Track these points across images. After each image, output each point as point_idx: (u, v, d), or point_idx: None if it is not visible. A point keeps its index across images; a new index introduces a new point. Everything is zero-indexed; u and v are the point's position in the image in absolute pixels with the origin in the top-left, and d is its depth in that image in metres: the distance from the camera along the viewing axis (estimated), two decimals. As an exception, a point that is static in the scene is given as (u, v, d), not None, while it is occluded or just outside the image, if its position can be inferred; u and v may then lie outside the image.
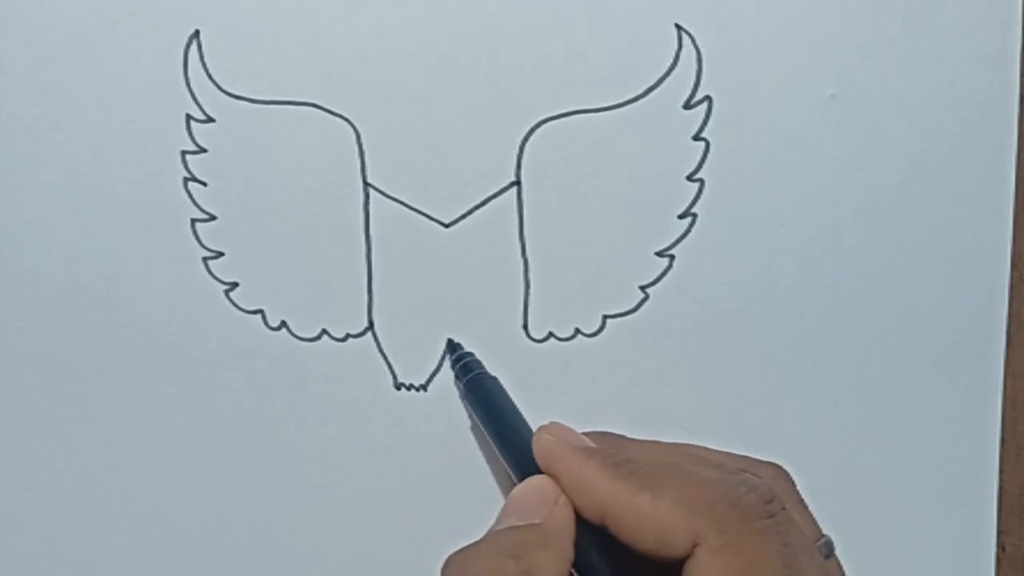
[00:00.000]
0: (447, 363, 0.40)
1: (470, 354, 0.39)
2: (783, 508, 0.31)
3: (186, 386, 0.40)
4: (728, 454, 0.36)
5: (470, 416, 0.39)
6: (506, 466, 0.36)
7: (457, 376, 0.39)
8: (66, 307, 0.39)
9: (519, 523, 0.32)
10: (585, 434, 0.36)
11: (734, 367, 0.40)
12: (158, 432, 0.40)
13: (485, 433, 0.38)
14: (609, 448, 0.35)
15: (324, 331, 0.40)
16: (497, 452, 0.37)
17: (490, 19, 0.38)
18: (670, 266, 0.40)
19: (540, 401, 0.40)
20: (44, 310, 0.39)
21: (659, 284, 0.40)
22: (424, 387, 0.40)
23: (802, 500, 0.35)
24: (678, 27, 0.38)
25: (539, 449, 0.34)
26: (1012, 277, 0.40)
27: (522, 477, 0.35)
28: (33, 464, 0.40)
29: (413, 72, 0.39)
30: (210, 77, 0.38)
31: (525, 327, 0.40)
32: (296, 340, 0.40)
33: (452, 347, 0.40)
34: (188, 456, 0.40)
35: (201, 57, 0.38)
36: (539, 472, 0.34)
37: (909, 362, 0.40)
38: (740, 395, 0.40)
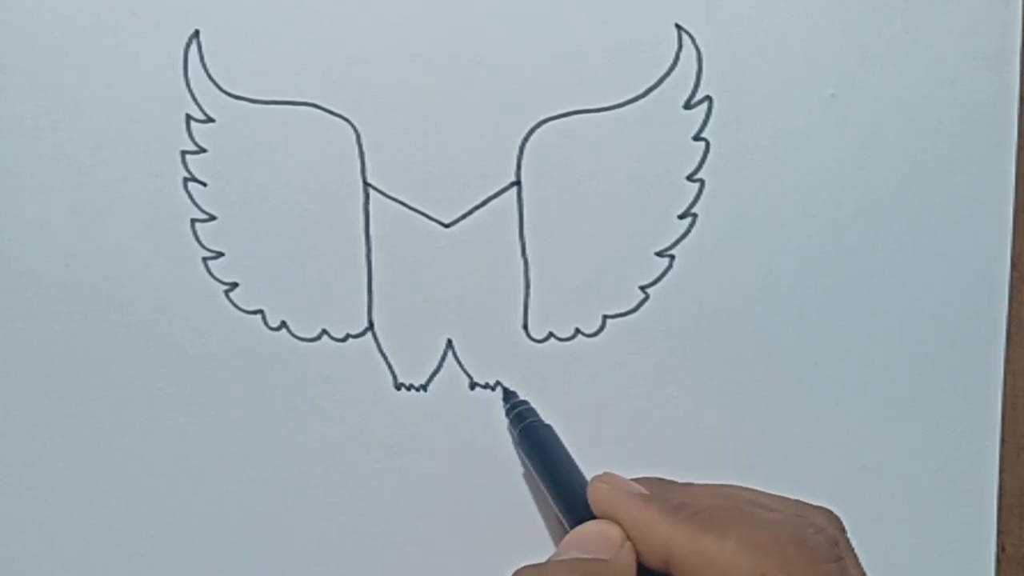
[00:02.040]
0: (447, 363, 0.40)
1: (524, 402, 0.39)
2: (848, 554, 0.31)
3: (186, 386, 0.40)
4: (780, 498, 0.36)
5: (523, 463, 0.39)
6: (559, 515, 0.36)
7: (512, 423, 0.39)
8: (66, 307, 0.39)
9: (585, 556, 0.32)
10: (634, 480, 0.36)
11: (734, 367, 0.40)
12: (158, 432, 0.40)
13: (538, 480, 0.37)
14: (663, 493, 0.35)
15: (324, 331, 0.40)
16: (551, 501, 0.37)
17: (490, 19, 0.38)
18: (670, 266, 0.40)
19: (540, 401, 0.40)
20: (44, 310, 0.39)
21: (659, 284, 0.40)
22: (424, 387, 0.40)
23: (853, 549, 0.34)
24: (678, 27, 0.38)
25: (595, 496, 0.34)
26: (1012, 277, 0.40)
27: (575, 525, 0.34)
28: (33, 464, 0.40)
29: (413, 72, 0.39)
30: (210, 77, 0.38)
31: (525, 327, 0.40)
32: (296, 340, 0.40)
33: (507, 395, 0.40)
34: (188, 456, 0.40)
35: (201, 57, 0.38)
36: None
37: (909, 362, 0.40)
38: (740, 395, 0.40)
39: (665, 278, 0.40)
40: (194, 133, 0.39)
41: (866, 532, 0.41)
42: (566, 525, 0.35)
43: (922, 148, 0.39)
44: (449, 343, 0.40)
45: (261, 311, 0.40)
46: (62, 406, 0.40)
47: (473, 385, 0.40)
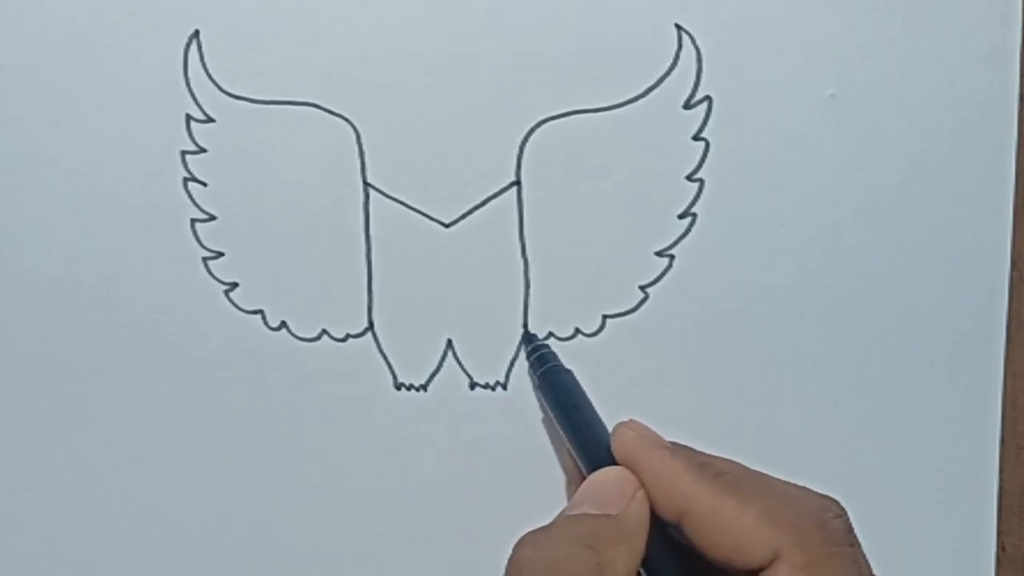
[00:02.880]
0: (447, 363, 0.40)
1: (545, 346, 0.39)
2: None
3: (186, 386, 0.40)
4: (794, 485, 0.35)
5: (542, 408, 0.39)
6: (577, 459, 0.35)
7: (532, 367, 0.39)
8: (66, 307, 0.39)
9: (594, 511, 0.31)
10: None
11: (734, 367, 0.40)
12: (158, 432, 0.40)
13: (557, 425, 0.37)
14: (689, 451, 0.34)
15: (324, 331, 0.40)
16: (569, 445, 0.36)
17: (490, 19, 0.38)
18: (670, 266, 0.40)
19: (539, 402, 0.40)
20: (44, 310, 0.39)
21: (659, 284, 0.40)
22: (424, 387, 0.40)
23: (856, 538, 0.34)
24: (678, 27, 0.38)
25: (619, 442, 0.33)
26: (1012, 277, 0.40)
27: (594, 470, 0.33)
28: (33, 464, 0.40)
29: (413, 72, 0.39)
30: (210, 77, 0.38)
31: (525, 327, 0.40)
32: (296, 340, 0.40)
33: (527, 338, 0.39)
34: (188, 456, 0.40)
35: (201, 57, 0.38)
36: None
37: (909, 362, 0.40)
38: (740, 395, 0.40)
39: (665, 278, 0.40)
40: (194, 133, 0.39)
41: (866, 532, 0.41)
42: (584, 471, 0.34)
43: (922, 148, 0.39)
44: (449, 343, 0.40)
45: (261, 311, 0.40)
46: (62, 406, 0.40)
47: (473, 385, 0.40)
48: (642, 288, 0.40)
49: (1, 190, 0.39)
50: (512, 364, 0.40)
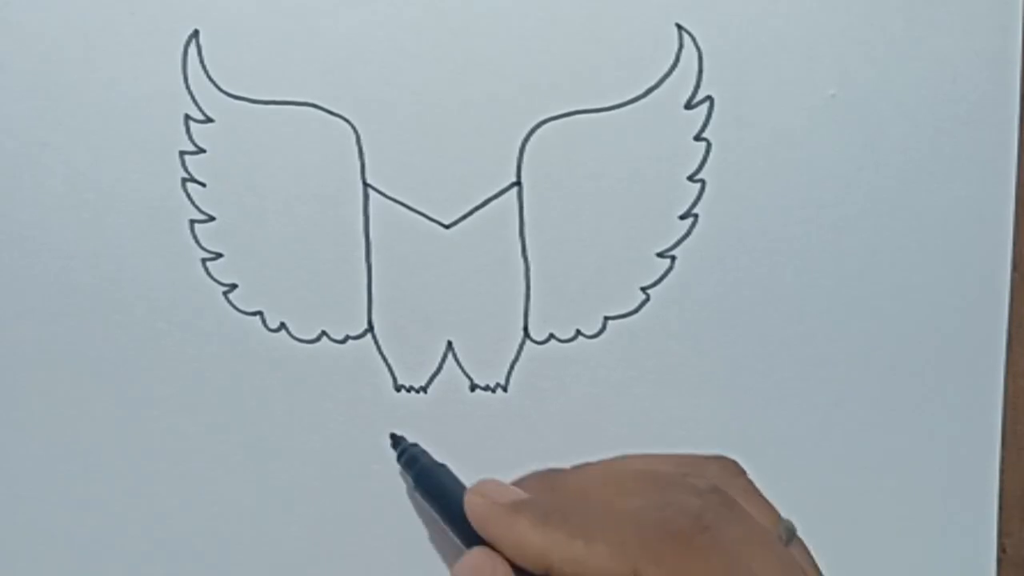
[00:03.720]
0: (447, 365, 0.40)
1: (415, 445, 0.39)
2: (729, 507, 0.31)
3: (185, 388, 0.40)
4: (673, 457, 0.36)
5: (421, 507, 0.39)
6: (456, 541, 0.36)
7: (404, 468, 0.39)
8: (65, 308, 0.39)
9: None
10: (519, 480, 0.36)
11: (735, 368, 0.40)
12: (157, 433, 0.40)
13: (439, 519, 0.37)
14: (542, 493, 0.35)
15: (323, 333, 0.40)
16: (447, 530, 0.37)
17: (490, 19, 0.38)
18: (671, 267, 0.40)
19: (540, 403, 0.40)
20: (43, 310, 0.39)
21: (660, 285, 0.40)
22: (424, 389, 0.40)
23: (754, 489, 0.35)
24: (679, 27, 0.38)
25: (471, 514, 0.34)
26: (1013, 278, 0.40)
27: (469, 545, 0.34)
28: (32, 464, 0.40)
29: (413, 72, 0.38)
30: (209, 77, 0.38)
31: (526, 328, 0.40)
32: (295, 342, 0.40)
33: (395, 440, 0.39)
34: (187, 457, 0.40)
35: (200, 57, 0.38)
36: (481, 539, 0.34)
37: (910, 363, 0.40)
38: (740, 396, 0.40)
39: (666, 279, 0.40)
40: (193, 133, 0.39)
41: (867, 532, 0.41)
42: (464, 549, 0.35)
43: (923, 148, 0.39)
44: (449, 344, 0.40)
45: (260, 312, 0.39)
46: (61, 406, 0.40)
47: (473, 387, 0.40)
48: (643, 289, 0.40)
49: (1, 190, 0.39)
50: (513, 366, 0.40)
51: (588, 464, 0.37)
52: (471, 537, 0.34)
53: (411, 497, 0.40)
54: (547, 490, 0.36)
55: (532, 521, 0.32)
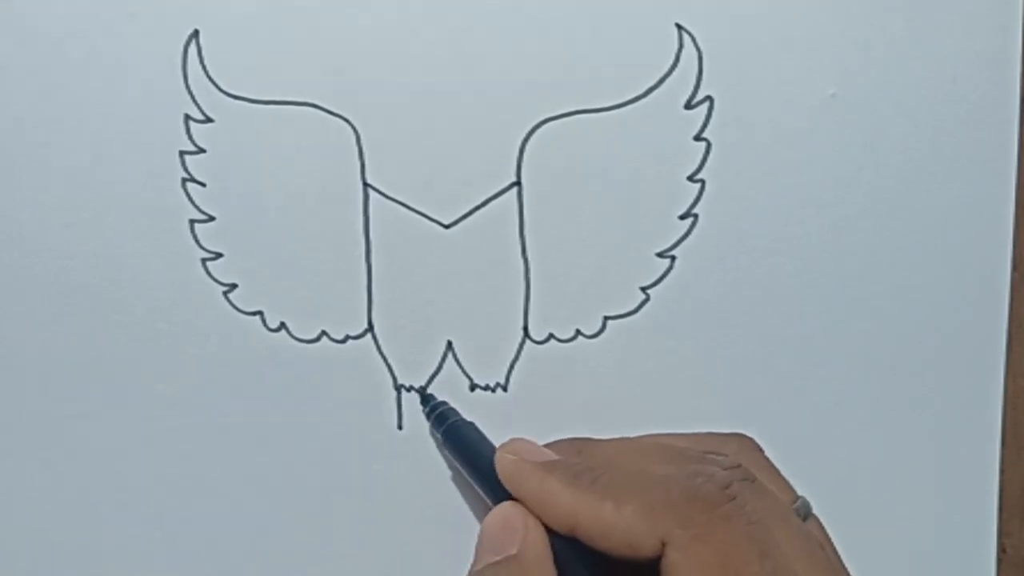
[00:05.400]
0: (447, 365, 0.40)
1: (444, 403, 0.39)
2: (751, 481, 0.32)
3: (185, 387, 0.40)
4: (693, 436, 0.37)
5: (450, 466, 0.40)
6: (484, 497, 0.36)
7: (433, 426, 0.39)
8: (64, 308, 0.39)
9: (496, 558, 0.33)
10: (549, 444, 0.37)
11: (735, 368, 0.40)
12: (157, 434, 0.40)
13: (467, 477, 0.38)
14: (572, 456, 0.35)
15: (323, 333, 0.40)
16: (475, 486, 0.37)
17: (490, 19, 0.38)
18: (671, 267, 0.40)
19: (540, 403, 0.40)
20: (42, 310, 0.39)
21: (660, 285, 0.40)
22: (424, 389, 0.40)
23: (772, 466, 0.36)
24: (679, 27, 0.38)
25: (501, 471, 0.34)
26: (1013, 278, 0.40)
27: (496, 501, 0.34)
28: (32, 465, 0.40)
29: (413, 72, 0.38)
30: (209, 77, 0.38)
31: (525, 328, 0.40)
32: (295, 342, 0.40)
33: (425, 399, 0.40)
34: (187, 458, 0.40)
35: (200, 57, 0.38)
36: (509, 495, 0.34)
37: (910, 363, 0.40)
38: (741, 396, 0.40)
39: (666, 279, 0.40)
40: (193, 133, 0.39)
41: (867, 533, 0.41)
42: (490, 505, 0.35)
43: (923, 148, 0.39)
44: (449, 344, 0.40)
45: (260, 312, 0.39)
46: (61, 407, 0.40)
47: (473, 387, 0.40)
48: (643, 289, 0.40)
49: (1, 190, 0.39)
50: (512, 366, 0.40)
51: (614, 438, 0.37)
52: (499, 494, 0.34)
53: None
54: (577, 453, 0.36)
55: (562, 481, 0.32)
